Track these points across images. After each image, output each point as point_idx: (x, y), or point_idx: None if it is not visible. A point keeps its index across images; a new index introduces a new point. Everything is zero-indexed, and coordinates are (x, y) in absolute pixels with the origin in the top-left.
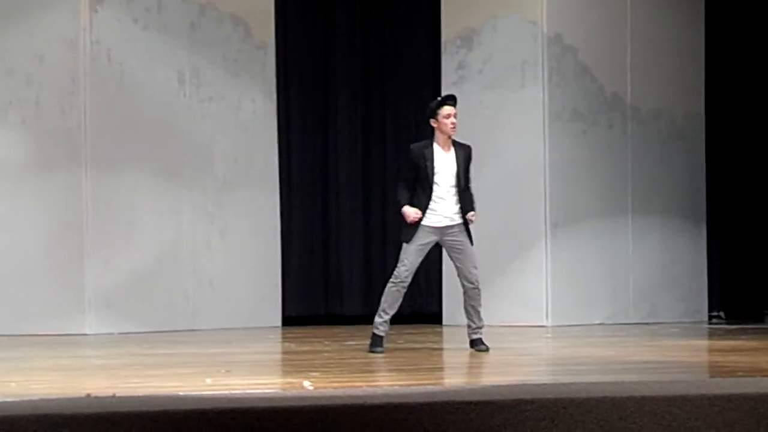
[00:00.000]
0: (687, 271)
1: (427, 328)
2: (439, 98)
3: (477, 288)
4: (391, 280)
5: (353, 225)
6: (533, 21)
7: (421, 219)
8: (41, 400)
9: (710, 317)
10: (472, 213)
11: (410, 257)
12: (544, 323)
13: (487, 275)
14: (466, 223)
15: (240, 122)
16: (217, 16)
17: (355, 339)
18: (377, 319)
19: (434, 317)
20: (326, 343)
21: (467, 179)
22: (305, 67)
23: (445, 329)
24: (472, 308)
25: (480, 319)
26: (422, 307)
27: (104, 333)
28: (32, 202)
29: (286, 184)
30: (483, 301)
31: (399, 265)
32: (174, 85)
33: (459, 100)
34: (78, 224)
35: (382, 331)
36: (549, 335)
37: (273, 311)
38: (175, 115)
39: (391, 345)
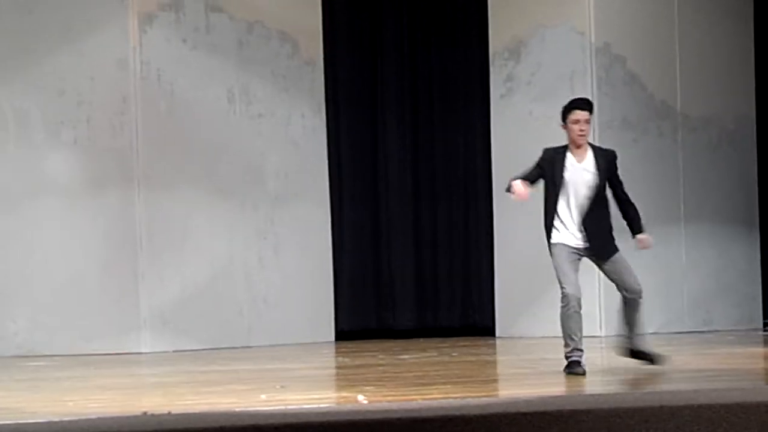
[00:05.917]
0: (741, 277)
1: (480, 341)
2: (570, 100)
3: (641, 297)
4: (561, 306)
5: (404, 239)
6: (581, 31)
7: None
8: (98, 418)
9: (765, 324)
10: (643, 236)
11: (568, 273)
12: (597, 333)
13: (541, 285)
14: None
15: (290, 138)
16: (264, 34)
17: (409, 352)
18: (565, 350)
19: (487, 330)
20: (380, 357)
21: (615, 189)
22: (353, 81)
23: (498, 341)
24: (631, 318)
25: (639, 329)
26: (475, 321)
27: (159, 351)
28: (86, 221)
29: (337, 198)
30: (537, 310)
31: (561, 286)
32: (224, 103)
33: (508, 113)
34: (132, 243)
35: (576, 356)
36: (603, 345)
37: (326, 326)
38: (225, 133)
39: (444, 358)
